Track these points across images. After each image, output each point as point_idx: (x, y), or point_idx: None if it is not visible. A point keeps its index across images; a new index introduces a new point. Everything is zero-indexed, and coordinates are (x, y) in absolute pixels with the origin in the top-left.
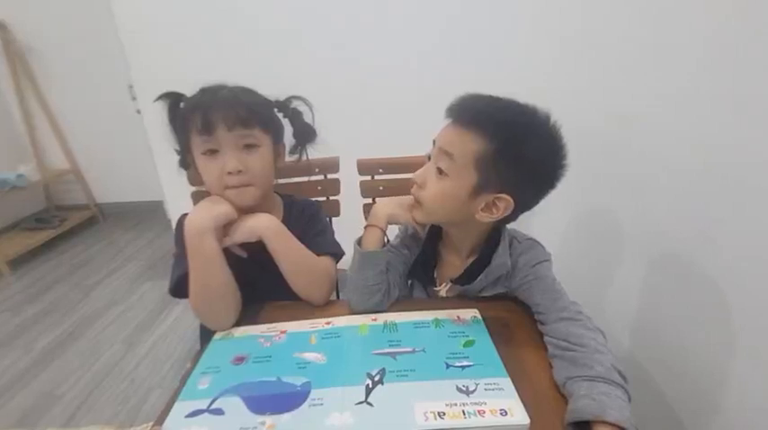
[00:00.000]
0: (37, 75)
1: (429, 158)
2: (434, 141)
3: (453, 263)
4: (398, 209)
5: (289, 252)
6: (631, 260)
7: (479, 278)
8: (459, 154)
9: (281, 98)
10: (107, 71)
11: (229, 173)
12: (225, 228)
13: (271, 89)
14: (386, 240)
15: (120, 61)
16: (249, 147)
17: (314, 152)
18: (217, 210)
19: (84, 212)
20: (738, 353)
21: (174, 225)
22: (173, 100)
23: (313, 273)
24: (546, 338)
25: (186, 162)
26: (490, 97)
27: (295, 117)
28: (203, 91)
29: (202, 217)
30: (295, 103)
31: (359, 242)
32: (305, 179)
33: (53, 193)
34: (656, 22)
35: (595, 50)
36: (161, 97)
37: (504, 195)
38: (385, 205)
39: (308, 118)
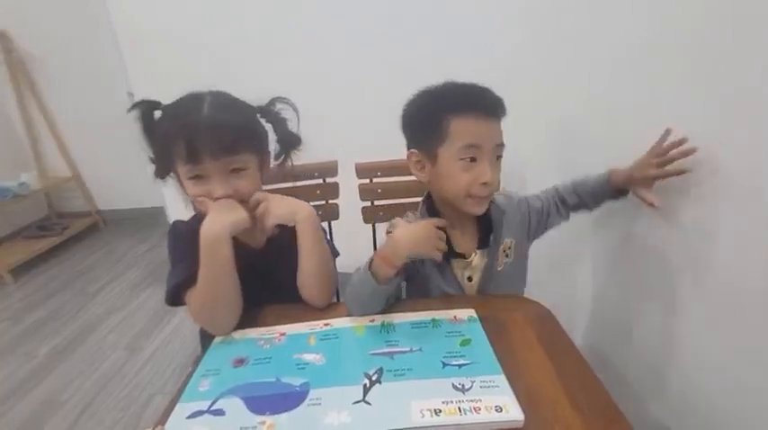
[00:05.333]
0: (38, 83)
1: (472, 159)
2: (471, 144)
3: (458, 236)
4: (422, 245)
5: (316, 248)
6: (617, 256)
7: (501, 230)
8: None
9: (264, 103)
10: (107, 79)
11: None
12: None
13: (270, 94)
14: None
15: (120, 69)
16: (236, 170)
17: (312, 157)
18: (234, 216)
19: (86, 219)
20: (727, 346)
21: None
22: (146, 108)
23: (327, 275)
24: (570, 191)
25: (162, 172)
26: (477, 84)
27: (278, 124)
28: (183, 111)
29: (221, 223)
30: (279, 106)
31: (369, 267)
32: (304, 183)
33: (55, 201)
34: (643, 21)
35: (583, 47)
36: (134, 107)
37: None
38: (407, 242)
39: (293, 121)
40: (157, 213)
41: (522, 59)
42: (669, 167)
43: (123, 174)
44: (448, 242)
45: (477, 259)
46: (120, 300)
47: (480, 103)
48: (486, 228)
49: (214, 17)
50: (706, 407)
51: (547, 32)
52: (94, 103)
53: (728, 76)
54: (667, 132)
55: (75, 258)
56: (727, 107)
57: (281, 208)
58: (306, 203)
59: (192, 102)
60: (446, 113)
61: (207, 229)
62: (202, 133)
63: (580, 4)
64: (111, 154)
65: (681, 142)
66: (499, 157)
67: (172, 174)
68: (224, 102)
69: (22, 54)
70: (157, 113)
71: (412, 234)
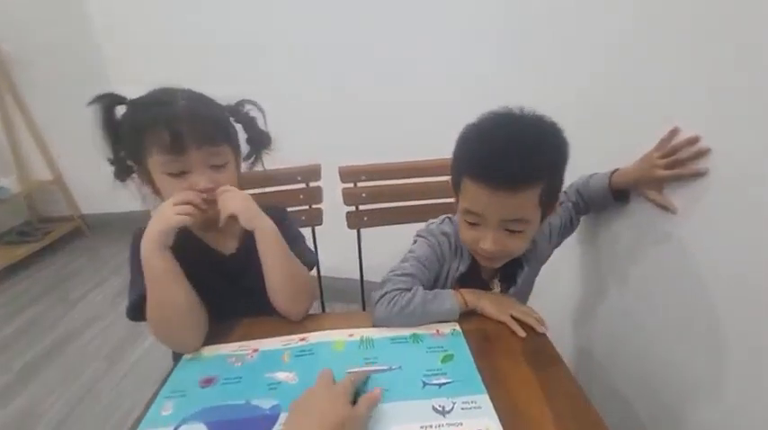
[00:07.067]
0: (18, 85)
1: (474, 224)
2: (470, 211)
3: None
4: (498, 310)
5: (280, 256)
6: (609, 263)
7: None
8: (529, 211)
9: (232, 102)
10: (89, 81)
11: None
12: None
13: (255, 96)
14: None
15: (103, 71)
16: (217, 165)
17: (294, 160)
18: (165, 222)
19: (68, 224)
20: (722, 359)
21: None
22: (109, 103)
23: (300, 285)
24: (576, 200)
25: (123, 173)
26: (505, 140)
27: (248, 123)
28: (157, 102)
29: (149, 234)
30: (247, 108)
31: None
32: (287, 187)
33: (36, 205)
34: (642, 21)
35: (582, 47)
36: (95, 101)
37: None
38: (497, 304)
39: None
40: (143, 217)
41: (521, 59)
42: (682, 169)
43: (107, 178)
44: (474, 267)
45: (496, 288)
46: (102, 308)
47: (493, 174)
48: (514, 261)
49: (197, 18)
50: (699, 422)
51: (547, 32)
52: (77, 104)
53: (728, 76)
54: (674, 131)
55: (57, 264)
56: (727, 106)
57: (233, 200)
58: (262, 215)
59: (164, 95)
60: (461, 167)
61: (143, 238)
62: (185, 122)
63: (579, 4)
64: (94, 157)
65: (692, 141)
66: (513, 231)
67: (133, 175)
68: (198, 96)
69: (3, 55)
70: (120, 109)
71: (498, 301)
